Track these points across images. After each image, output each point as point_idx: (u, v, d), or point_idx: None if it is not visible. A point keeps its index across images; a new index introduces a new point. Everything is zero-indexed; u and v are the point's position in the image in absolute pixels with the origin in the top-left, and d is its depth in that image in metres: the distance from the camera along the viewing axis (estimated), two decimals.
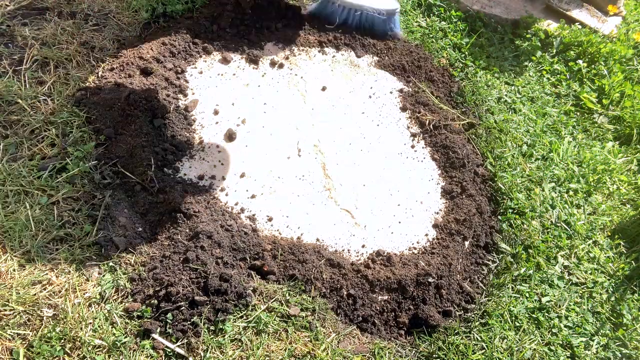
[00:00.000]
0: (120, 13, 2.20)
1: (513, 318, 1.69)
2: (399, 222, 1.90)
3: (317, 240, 1.77)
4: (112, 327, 1.37)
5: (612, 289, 1.85)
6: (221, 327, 1.43)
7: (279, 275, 1.62)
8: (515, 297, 1.74)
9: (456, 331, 1.63)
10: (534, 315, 1.71)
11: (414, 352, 1.59)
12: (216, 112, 2.01)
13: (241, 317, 1.47)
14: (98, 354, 1.31)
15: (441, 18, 2.81)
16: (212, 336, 1.41)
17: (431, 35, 2.69)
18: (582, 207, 2.09)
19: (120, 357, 1.32)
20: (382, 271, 1.70)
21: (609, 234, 2.03)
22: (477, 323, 1.66)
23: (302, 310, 1.55)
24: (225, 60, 2.19)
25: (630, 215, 2.10)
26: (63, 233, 1.50)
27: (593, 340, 1.69)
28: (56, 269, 1.43)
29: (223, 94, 2.08)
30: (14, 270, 1.40)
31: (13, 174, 1.58)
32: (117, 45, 2.08)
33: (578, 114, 2.56)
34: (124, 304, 1.43)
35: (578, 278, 1.86)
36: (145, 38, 2.15)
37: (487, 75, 2.56)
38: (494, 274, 1.83)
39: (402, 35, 2.51)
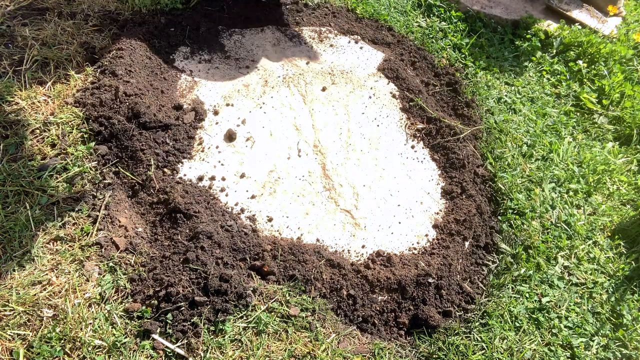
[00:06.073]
0: (121, 13, 2.20)
1: (513, 318, 1.69)
2: (399, 223, 1.90)
3: (317, 240, 1.77)
4: (112, 328, 1.37)
5: (612, 290, 1.85)
6: (221, 327, 1.43)
7: (279, 275, 1.62)
8: (515, 297, 1.74)
9: (456, 331, 1.63)
10: (534, 316, 1.71)
11: (414, 352, 1.59)
12: (216, 112, 2.01)
13: (241, 317, 1.47)
14: (98, 355, 1.31)
15: (441, 18, 2.82)
16: (212, 336, 1.41)
17: (431, 36, 2.69)
18: (582, 208, 2.09)
19: (120, 358, 1.32)
20: (382, 272, 1.70)
21: (609, 235, 2.03)
22: (477, 323, 1.66)
23: (302, 310, 1.55)
24: (226, 60, 2.19)
25: (630, 215, 2.10)
26: (63, 233, 1.50)
27: (593, 341, 1.69)
28: (56, 269, 1.43)
29: (223, 94, 2.08)
30: (14, 270, 1.40)
31: (13, 174, 1.58)
32: (117, 46, 2.08)
33: (578, 114, 2.56)
34: (124, 304, 1.43)
35: (578, 278, 1.86)
36: (145, 37, 2.15)
37: (487, 76, 2.56)
38: (494, 275, 1.83)
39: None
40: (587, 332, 1.71)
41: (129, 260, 1.52)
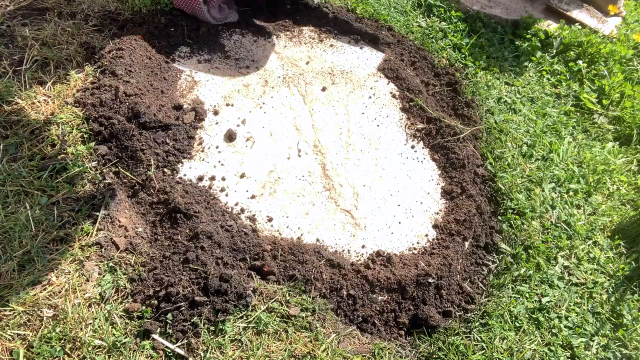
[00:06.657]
0: (121, 13, 2.20)
1: (513, 318, 1.69)
2: (399, 223, 1.90)
3: (317, 240, 1.77)
4: (112, 328, 1.37)
5: (612, 290, 1.85)
6: (221, 327, 1.43)
7: (279, 275, 1.62)
8: (515, 297, 1.74)
9: (456, 331, 1.63)
10: (534, 316, 1.71)
11: (414, 352, 1.59)
12: (216, 112, 2.01)
13: (241, 317, 1.47)
14: (98, 355, 1.31)
15: (441, 18, 2.82)
16: (212, 336, 1.41)
17: (431, 36, 2.69)
18: (582, 208, 2.09)
19: (120, 358, 1.32)
20: (382, 271, 1.70)
21: (609, 235, 2.03)
22: (477, 323, 1.66)
23: (302, 310, 1.55)
24: (226, 60, 2.19)
25: (630, 215, 2.10)
26: (63, 233, 1.50)
27: (593, 341, 1.69)
28: (56, 269, 1.43)
29: (223, 94, 2.08)
30: (14, 270, 1.40)
31: (13, 174, 1.58)
32: (117, 46, 2.08)
33: (578, 114, 2.56)
34: (124, 304, 1.43)
35: (578, 278, 1.86)
36: (145, 37, 2.15)
37: (487, 76, 2.56)
38: (494, 275, 1.83)
39: None
40: (587, 332, 1.71)
41: (129, 260, 1.52)
